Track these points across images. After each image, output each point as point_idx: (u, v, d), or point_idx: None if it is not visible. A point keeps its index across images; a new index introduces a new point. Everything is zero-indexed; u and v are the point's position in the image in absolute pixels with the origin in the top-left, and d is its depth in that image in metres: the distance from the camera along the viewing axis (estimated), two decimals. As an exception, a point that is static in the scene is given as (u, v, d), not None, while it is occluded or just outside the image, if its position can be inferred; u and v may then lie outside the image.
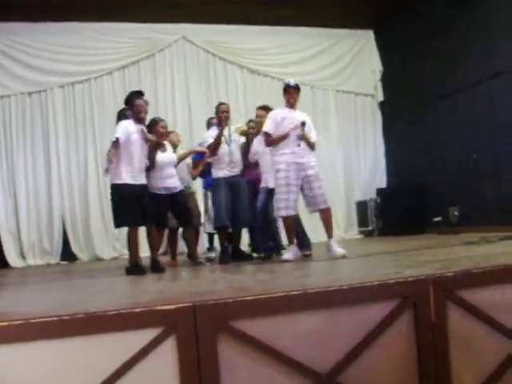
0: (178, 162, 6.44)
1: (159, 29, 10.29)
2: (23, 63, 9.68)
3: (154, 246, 5.77)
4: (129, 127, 5.56)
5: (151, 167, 5.95)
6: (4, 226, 9.39)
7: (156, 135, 5.95)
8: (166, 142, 6.29)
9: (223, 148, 6.39)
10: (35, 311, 2.84)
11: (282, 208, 5.83)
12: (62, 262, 9.51)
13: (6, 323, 2.46)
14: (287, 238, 6.06)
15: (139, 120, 5.66)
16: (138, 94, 5.82)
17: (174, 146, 6.69)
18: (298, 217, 6.35)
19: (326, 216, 5.94)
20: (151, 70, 10.44)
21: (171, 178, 6.17)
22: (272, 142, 5.95)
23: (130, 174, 5.49)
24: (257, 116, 6.74)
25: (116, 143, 5.41)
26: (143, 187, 5.63)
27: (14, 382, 2.41)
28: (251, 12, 10.14)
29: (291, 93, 6.02)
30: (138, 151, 5.56)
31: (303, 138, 5.82)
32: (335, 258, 5.54)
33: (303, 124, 5.85)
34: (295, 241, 6.03)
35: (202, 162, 6.67)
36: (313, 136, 6.03)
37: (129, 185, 5.46)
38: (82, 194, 9.87)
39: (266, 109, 6.60)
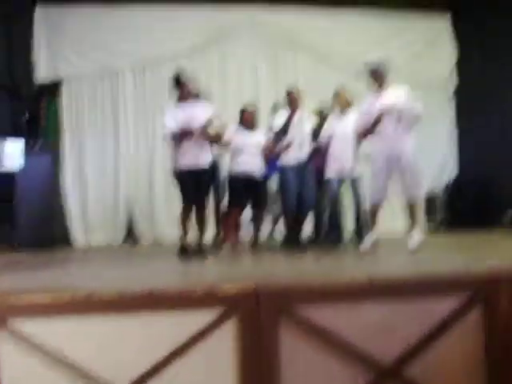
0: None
1: (229, 10, 10.17)
2: (94, 45, 9.65)
3: (201, 229, 5.74)
4: (176, 114, 5.63)
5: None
6: (71, 205, 9.62)
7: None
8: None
9: (294, 131, 6.32)
10: (98, 286, 2.87)
11: (369, 196, 5.92)
12: (126, 243, 9.67)
13: (70, 296, 2.48)
14: (370, 225, 6.01)
15: (185, 100, 5.69)
16: (184, 75, 5.82)
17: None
18: (338, 207, 6.46)
19: (410, 206, 5.79)
20: (221, 54, 10.38)
21: (249, 163, 6.24)
22: (367, 133, 5.85)
23: (185, 159, 5.57)
24: (337, 97, 6.65)
25: (168, 136, 5.56)
26: (201, 171, 5.64)
27: (76, 353, 2.43)
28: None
29: (372, 77, 5.90)
30: (190, 134, 5.57)
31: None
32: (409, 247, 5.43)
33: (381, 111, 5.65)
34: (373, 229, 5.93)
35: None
36: (414, 109, 5.81)
37: (183, 171, 5.57)
38: (148, 177, 9.96)
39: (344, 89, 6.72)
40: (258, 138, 6.40)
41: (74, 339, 2.45)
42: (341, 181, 6.44)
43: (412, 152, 5.84)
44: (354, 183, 6.49)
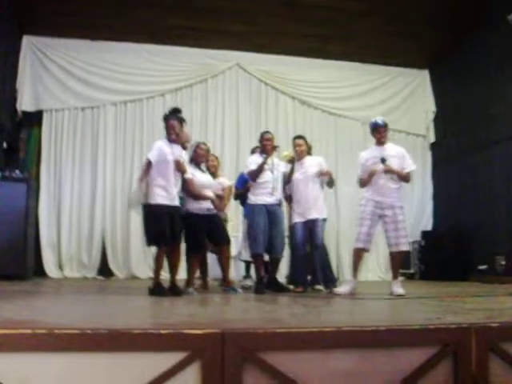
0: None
1: (214, 55, 10.42)
2: (79, 79, 9.93)
3: (174, 268, 5.67)
4: (163, 148, 5.56)
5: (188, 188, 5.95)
6: (45, 236, 9.51)
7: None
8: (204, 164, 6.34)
9: (267, 175, 6.33)
10: (61, 322, 2.80)
11: (355, 239, 6.05)
12: (99, 277, 9.54)
13: (30, 331, 2.41)
14: (352, 270, 6.16)
15: (171, 141, 5.65)
16: (174, 112, 5.79)
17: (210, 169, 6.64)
18: (325, 251, 6.52)
19: (392, 257, 6.05)
20: (203, 95, 10.53)
21: (209, 201, 6.13)
22: (363, 184, 6.14)
23: (163, 196, 5.48)
24: (296, 145, 6.68)
25: (148, 164, 5.48)
26: (176, 208, 5.59)
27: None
28: (305, 45, 10.22)
29: (381, 131, 6.16)
30: (171, 172, 5.54)
31: (387, 172, 5.93)
32: (392, 295, 5.66)
33: (382, 160, 5.92)
34: (355, 275, 6.09)
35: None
36: (407, 167, 6.07)
37: (161, 205, 5.45)
38: (124, 211, 9.91)
39: (303, 138, 6.77)
40: (209, 177, 6.31)
41: (33, 376, 2.37)
42: (306, 224, 6.43)
43: (401, 204, 6.02)
44: (315, 225, 6.43)
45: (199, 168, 6.21)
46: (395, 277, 6.02)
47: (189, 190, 5.86)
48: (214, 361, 2.45)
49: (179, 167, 5.56)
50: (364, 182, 6.11)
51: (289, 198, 6.69)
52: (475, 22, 9.43)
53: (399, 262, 6.10)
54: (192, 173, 5.94)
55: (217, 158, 7.18)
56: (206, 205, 6.05)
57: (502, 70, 9.10)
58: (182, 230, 5.78)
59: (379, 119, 6.26)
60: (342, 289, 6.00)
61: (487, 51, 9.48)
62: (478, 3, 8.96)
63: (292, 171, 6.48)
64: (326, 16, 9.27)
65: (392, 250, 5.96)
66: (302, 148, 6.60)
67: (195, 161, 6.22)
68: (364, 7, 9.06)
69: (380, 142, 6.19)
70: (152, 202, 5.50)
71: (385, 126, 6.19)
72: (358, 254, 6.06)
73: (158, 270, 5.59)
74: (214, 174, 6.61)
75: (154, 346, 2.44)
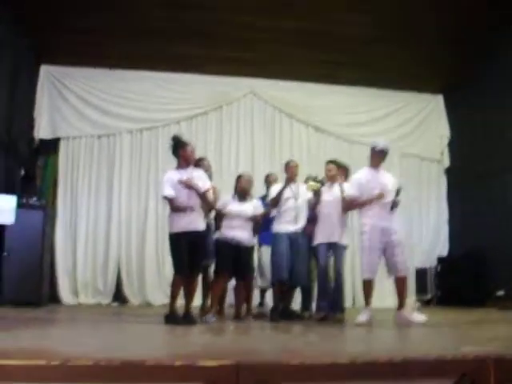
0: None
1: (228, 82, 10.49)
2: (96, 107, 10.06)
3: (190, 297, 5.67)
4: (172, 178, 5.61)
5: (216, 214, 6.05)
6: (61, 263, 9.56)
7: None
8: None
9: (290, 203, 6.36)
10: (75, 352, 2.80)
11: (364, 270, 5.99)
12: (113, 304, 9.54)
13: (44, 362, 2.41)
14: (364, 300, 6.09)
15: (184, 167, 5.69)
16: (184, 142, 5.83)
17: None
18: (341, 277, 6.39)
19: (399, 283, 5.99)
20: (218, 122, 10.59)
21: (239, 230, 6.18)
22: (357, 205, 6.10)
23: (181, 223, 5.51)
24: (327, 170, 6.67)
25: (169, 200, 5.55)
26: (196, 233, 5.59)
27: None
28: (318, 71, 10.27)
29: (377, 157, 6.13)
30: (184, 198, 5.56)
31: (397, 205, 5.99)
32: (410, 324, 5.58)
33: (397, 193, 5.99)
34: (369, 304, 6.00)
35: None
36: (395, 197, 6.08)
37: (179, 234, 5.50)
38: (140, 239, 9.95)
39: (335, 163, 6.73)
40: (249, 207, 6.35)
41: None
42: (328, 248, 6.40)
43: (401, 228, 6.05)
44: (338, 251, 6.42)
45: (241, 198, 6.29)
46: (402, 305, 5.92)
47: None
48: (229, 392, 2.43)
49: (186, 185, 5.57)
50: (360, 204, 6.05)
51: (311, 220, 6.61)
52: (489, 47, 9.45)
53: (404, 287, 6.02)
54: (225, 201, 6.09)
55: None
56: (234, 234, 6.12)
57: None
58: (204, 259, 5.82)
59: (380, 143, 6.19)
60: (361, 317, 5.85)
61: (501, 76, 9.47)
62: (492, 28, 8.96)
63: (317, 202, 6.46)
64: (338, 42, 9.33)
65: (401, 274, 5.92)
66: (331, 173, 6.57)
67: (238, 191, 6.40)
68: (377, 33, 9.11)
69: (373, 165, 6.15)
70: (170, 231, 5.62)
71: (382, 152, 6.13)
72: (370, 285, 6.02)
73: (173, 297, 5.58)
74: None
75: (167, 377, 2.43)
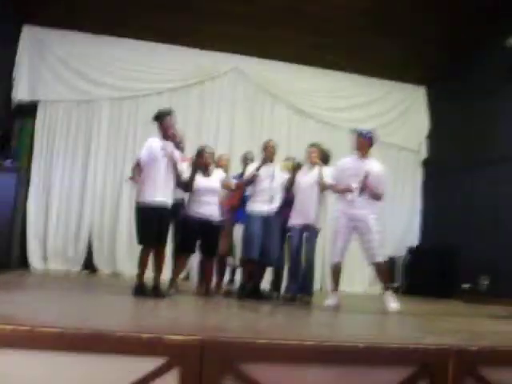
0: None
1: (213, 56, 10.40)
2: (77, 72, 9.88)
3: (158, 269, 5.67)
4: (154, 146, 5.59)
5: (185, 189, 5.98)
6: (32, 228, 9.47)
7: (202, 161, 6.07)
8: (212, 168, 6.33)
9: (266, 183, 6.36)
10: (44, 320, 2.80)
11: (332, 254, 6.16)
12: (83, 272, 9.51)
13: (11, 327, 2.41)
14: (331, 284, 6.25)
15: (166, 138, 5.70)
16: (168, 112, 5.84)
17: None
18: (311, 260, 6.45)
19: (376, 269, 6.10)
20: (200, 97, 10.51)
21: (208, 206, 6.14)
22: (334, 191, 6.26)
23: (152, 193, 5.49)
24: (310, 152, 6.68)
25: (138, 163, 5.52)
26: (165, 207, 5.58)
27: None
28: (304, 53, 10.25)
29: (357, 141, 6.14)
30: (161, 170, 5.56)
31: (362, 189, 5.93)
32: (386, 311, 5.69)
33: (365, 177, 5.91)
34: (336, 288, 6.15)
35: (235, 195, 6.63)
36: (380, 187, 6.07)
37: (149, 204, 5.47)
38: (113, 208, 9.89)
39: (317, 146, 6.73)
40: (214, 183, 6.27)
41: (12, 374, 2.37)
42: (302, 230, 6.46)
43: (375, 216, 6.05)
44: (311, 234, 6.48)
45: (204, 173, 6.20)
46: (385, 288, 6.03)
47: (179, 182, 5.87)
48: (193, 369, 2.46)
49: (168, 155, 5.58)
50: (336, 190, 6.19)
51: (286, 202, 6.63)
52: (474, 43, 9.52)
53: (382, 273, 6.08)
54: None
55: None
56: (204, 210, 6.08)
57: (498, 92, 9.18)
58: (168, 231, 5.79)
59: (363, 129, 6.28)
60: (329, 301, 5.98)
61: (485, 72, 9.57)
62: (478, 24, 9.02)
63: (293, 180, 6.47)
64: (327, 26, 9.30)
65: (369, 260, 6.03)
66: (314, 155, 6.59)
67: (200, 165, 6.21)
68: (366, 21, 9.11)
69: (357, 152, 6.18)
70: (140, 200, 5.54)
71: (364, 137, 6.15)
72: (337, 268, 6.13)
73: (142, 269, 5.57)
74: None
75: (133, 349, 2.44)
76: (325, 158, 6.76)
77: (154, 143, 5.63)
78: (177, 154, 5.78)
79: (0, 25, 8.49)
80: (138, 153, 5.69)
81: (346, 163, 6.19)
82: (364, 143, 6.14)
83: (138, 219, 5.57)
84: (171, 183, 5.70)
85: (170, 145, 5.68)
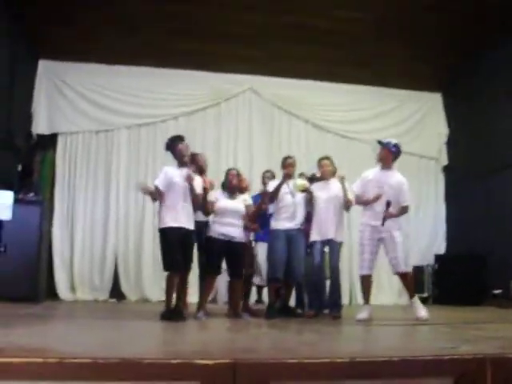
0: None
1: (227, 78, 10.49)
2: (93, 102, 10.05)
3: (183, 294, 5.77)
4: (170, 173, 5.66)
5: (206, 212, 5.99)
6: (58, 259, 9.55)
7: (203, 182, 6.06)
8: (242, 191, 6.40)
9: (287, 199, 6.33)
10: (72, 350, 2.79)
11: (358, 267, 6.22)
12: (110, 300, 9.53)
13: (41, 360, 2.40)
14: (363, 297, 6.30)
15: (182, 164, 5.73)
16: (179, 138, 5.90)
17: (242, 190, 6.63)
18: (336, 274, 6.37)
19: (402, 279, 6.14)
20: (216, 118, 10.58)
21: (231, 227, 6.12)
22: (356, 202, 6.32)
23: (174, 219, 5.54)
24: (321, 166, 6.69)
25: (156, 190, 5.61)
26: (188, 232, 5.62)
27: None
28: (317, 68, 10.28)
29: (382, 152, 6.20)
30: (180, 196, 5.59)
31: (386, 216, 5.92)
32: (415, 319, 5.70)
33: (388, 204, 5.93)
34: (368, 301, 6.17)
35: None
36: (402, 201, 6.12)
37: (172, 229, 5.51)
38: (137, 234, 9.95)
39: (329, 159, 6.78)
40: (239, 203, 6.26)
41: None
42: (323, 246, 6.42)
43: (398, 227, 6.10)
44: (333, 248, 6.42)
45: (230, 194, 6.22)
46: (411, 296, 6.03)
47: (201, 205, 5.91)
48: (225, 392, 2.43)
49: (187, 179, 5.60)
50: (361, 202, 6.24)
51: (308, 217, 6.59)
52: (488, 46, 9.44)
53: (408, 282, 6.11)
54: (216, 197, 6.03)
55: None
56: (226, 230, 6.07)
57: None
58: (192, 256, 5.80)
59: (385, 140, 6.30)
60: (361, 315, 5.95)
61: (500, 75, 9.48)
62: (490, 27, 8.95)
63: (311, 197, 6.45)
64: (338, 40, 9.32)
65: (395, 270, 6.02)
66: (328, 168, 6.63)
67: (227, 187, 6.31)
68: (376, 31, 9.11)
69: (380, 164, 6.23)
70: (162, 226, 5.59)
71: (386, 147, 6.18)
72: (367, 281, 6.13)
73: (169, 294, 5.58)
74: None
75: (164, 376, 2.42)
76: (334, 171, 6.77)
77: (170, 170, 5.71)
78: (196, 178, 5.81)
79: (16, 60, 8.64)
80: (154, 180, 5.76)
81: (371, 175, 6.24)
82: (388, 155, 6.17)
83: (162, 246, 5.62)
84: (191, 208, 5.72)
85: (185, 170, 5.70)
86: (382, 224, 5.90)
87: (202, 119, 10.52)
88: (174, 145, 5.81)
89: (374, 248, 6.05)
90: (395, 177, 6.17)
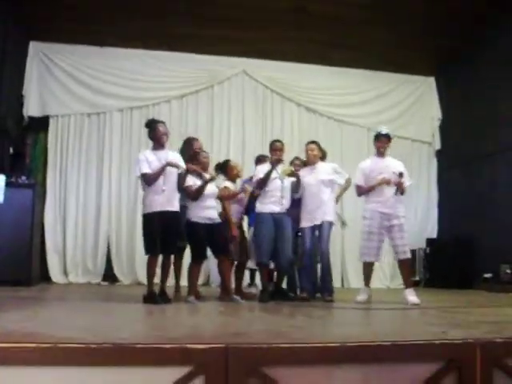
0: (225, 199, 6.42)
1: (220, 61, 10.42)
2: (85, 85, 9.97)
3: (165, 277, 5.75)
4: (149, 158, 5.63)
5: (191, 197, 5.94)
6: (51, 242, 9.53)
7: (199, 166, 6.10)
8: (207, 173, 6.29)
9: (276, 183, 6.30)
10: (65, 334, 2.80)
11: (363, 254, 6.27)
12: (103, 283, 9.54)
13: (33, 345, 2.41)
14: (363, 280, 6.47)
15: (160, 145, 5.72)
16: (160, 121, 5.92)
17: (234, 178, 6.73)
18: (326, 258, 6.41)
19: (402, 266, 6.26)
20: (209, 101, 10.53)
21: (212, 209, 6.12)
22: (362, 193, 6.38)
23: (156, 203, 5.53)
24: (308, 150, 6.71)
25: (145, 178, 5.57)
26: (172, 214, 5.61)
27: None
28: (312, 51, 10.20)
29: (382, 141, 6.36)
30: (160, 180, 5.57)
31: (400, 188, 6.05)
32: (407, 304, 5.78)
33: (401, 175, 6.06)
34: (368, 284, 6.43)
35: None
36: (405, 181, 6.22)
37: (155, 213, 5.51)
38: (130, 218, 9.91)
39: (316, 143, 6.80)
40: (212, 185, 6.18)
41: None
42: (313, 231, 6.44)
43: (404, 213, 6.21)
44: (323, 232, 6.41)
45: (201, 177, 6.15)
46: (409, 285, 6.16)
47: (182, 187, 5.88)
48: (218, 375, 2.44)
49: (172, 165, 5.59)
50: (366, 191, 6.30)
51: (295, 203, 6.59)
52: (482, 30, 9.40)
53: (408, 269, 6.27)
54: (194, 182, 5.99)
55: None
56: (208, 214, 6.04)
57: (509, 78, 9.06)
58: (177, 239, 5.78)
59: (383, 129, 6.34)
60: (361, 297, 6.17)
61: (494, 59, 9.46)
62: (482, 10, 8.89)
63: (298, 183, 6.44)
64: (331, 23, 9.23)
65: (400, 257, 6.12)
66: (314, 153, 6.66)
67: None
68: (368, 15, 9.03)
69: (380, 152, 6.35)
70: (144, 211, 5.65)
71: (387, 136, 6.29)
72: (370, 267, 6.32)
73: (150, 277, 5.64)
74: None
75: (157, 360, 2.43)
76: (322, 155, 6.79)
77: (147, 155, 5.68)
78: (173, 158, 5.75)
79: (6, 41, 8.55)
80: (136, 169, 5.70)
81: (368, 165, 6.35)
82: (386, 142, 6.33)
83: (143, 230, 5.70)
84: (173, 190, 5.70)
85: (163, 154, 5.69)
86: (402, 193, 6.05)
87: (194, 102, 10.47)
88: (154, 125, 5.79)
89: (383, 236, 6.19)
90: (393, 162, 6.34)
